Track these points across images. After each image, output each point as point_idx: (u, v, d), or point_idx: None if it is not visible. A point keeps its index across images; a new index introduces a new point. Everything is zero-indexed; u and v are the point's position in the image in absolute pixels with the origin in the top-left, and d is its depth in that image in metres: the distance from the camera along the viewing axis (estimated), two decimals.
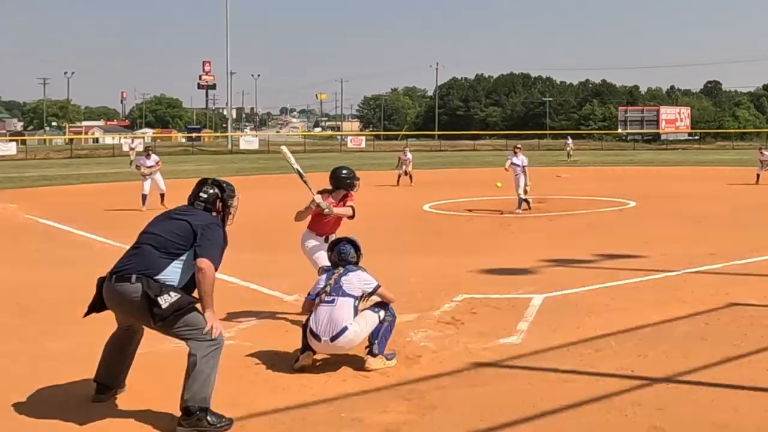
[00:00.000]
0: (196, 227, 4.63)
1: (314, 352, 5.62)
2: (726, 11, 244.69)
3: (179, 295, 4.49)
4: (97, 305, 4.75)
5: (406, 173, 27.11)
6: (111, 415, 4.72)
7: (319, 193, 7.03)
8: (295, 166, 7.09)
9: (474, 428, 4.46)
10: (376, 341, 5.58)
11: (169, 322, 4.48)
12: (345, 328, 5.49)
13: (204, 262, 4.52)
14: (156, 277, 4.51)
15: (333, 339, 5.48)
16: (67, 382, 5.30)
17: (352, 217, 7.08)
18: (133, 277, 4.50)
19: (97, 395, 4.92)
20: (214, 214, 4.87)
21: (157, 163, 19.02)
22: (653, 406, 4.73)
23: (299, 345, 5.88)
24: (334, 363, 5.67)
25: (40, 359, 5.91)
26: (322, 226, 7.11)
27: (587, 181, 27.10)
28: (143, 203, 17.86)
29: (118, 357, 4.94)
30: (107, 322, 7.03)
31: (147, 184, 18.31)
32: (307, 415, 4.67)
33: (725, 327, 6.61)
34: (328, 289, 5.61)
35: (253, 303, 7.83)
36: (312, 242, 7.11)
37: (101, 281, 4.70)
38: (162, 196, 18.20)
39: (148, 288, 4.45)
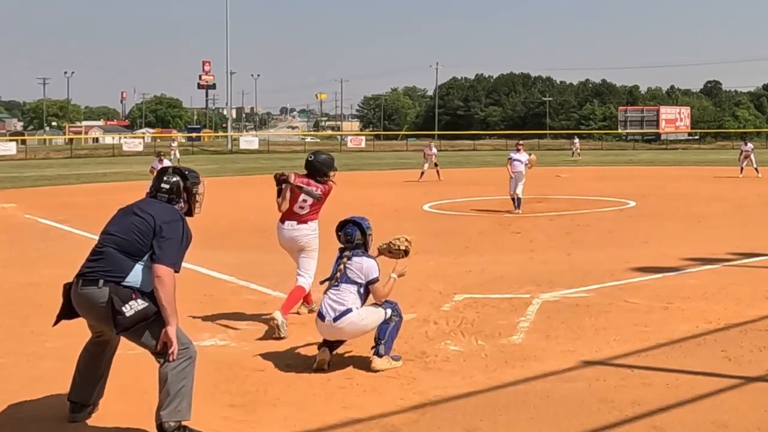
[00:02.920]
0: (156, 224, 4.25)
1: (331, 351, 5.62)
2: (726, 11, 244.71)
3: (147, 304, 4.15)
4: (65, 312, 4.43)
5: (435, 164, 27.75)
6: (111, 415, 4.71)
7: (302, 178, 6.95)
8: None
9: (474, 428, 4.46)
10: (382, 342, 5.57)
11: (134, 332, 4.16)
12: (348, 310, 5.50)
13: (161, 269, 4.14)
14: (123, 282, 4.18)
15: (336, 319, 5.50)
16: (67, 383, 5.28)
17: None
18: (101, 281, 4.18)
19: (72, 414, 4.57)
20: (181, 204, 4.52)
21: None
22: (653, 406, 4.73)
23: (300, 345, 5.89)
24: (337, 363, 5.67)
25: (40, 359, 5.91)
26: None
27: (587, 181, 27.09)
28: None
29: (92, 369, 4.58)
30: None
31: None
32: (308, 415, 4.67)
33: (725, 327, 6.60)
34: (338, 275, 5.64)
35: (253, 303, 7.82)
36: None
37: (68, 286, 4.42)
38: None
39: (116, 294, 4.13)
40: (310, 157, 7.07)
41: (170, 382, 4.15)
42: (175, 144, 46.59)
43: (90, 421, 4.61)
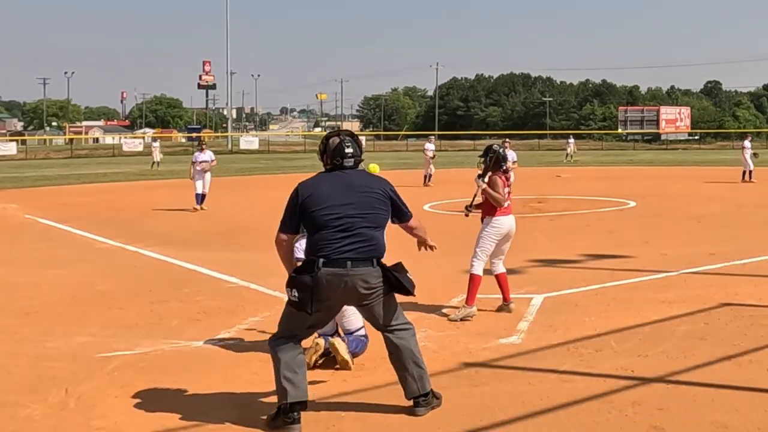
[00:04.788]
0: (389, 192, 4.75)
1: (325, 349, 5.62)
2: (726, 11, 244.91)
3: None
4: (313, 301, 4.29)
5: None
6: (110, 415, 4.71)
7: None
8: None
9: (474, 428, 4.46)
10: (349, 338, 5.69)
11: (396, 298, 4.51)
12: None
13: (415, 219, 4.92)
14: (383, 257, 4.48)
15: None
16: (66, 383, 5.29)
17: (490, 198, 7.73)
18: (374, 260, 4.46)
19: (298, 421, 4.40)
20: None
21: (212, 159, 17.84)
22: (653, 406, 4.73)
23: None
24: (333, 363, 5.66)
25: (40, 359, 5.90)
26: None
27: (587, 181, 27.08)
28: (197, 202, 17.44)
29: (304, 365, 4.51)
30: (106, 323, 7.03)
31: (200, 184, 17.58)
32: (307, 416, 4.66)
33: (725, 327, 6.61)
34: None
35: (253, 303, 7.82)
36: None
37: (309, 273, 4.31)
38: (203, 197, 17.44)
39: (386, 268, 4.47)
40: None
41: (417, 351, 4.60)
42: (156, 144, 44.14)
43: (88, 422, 4.61)
